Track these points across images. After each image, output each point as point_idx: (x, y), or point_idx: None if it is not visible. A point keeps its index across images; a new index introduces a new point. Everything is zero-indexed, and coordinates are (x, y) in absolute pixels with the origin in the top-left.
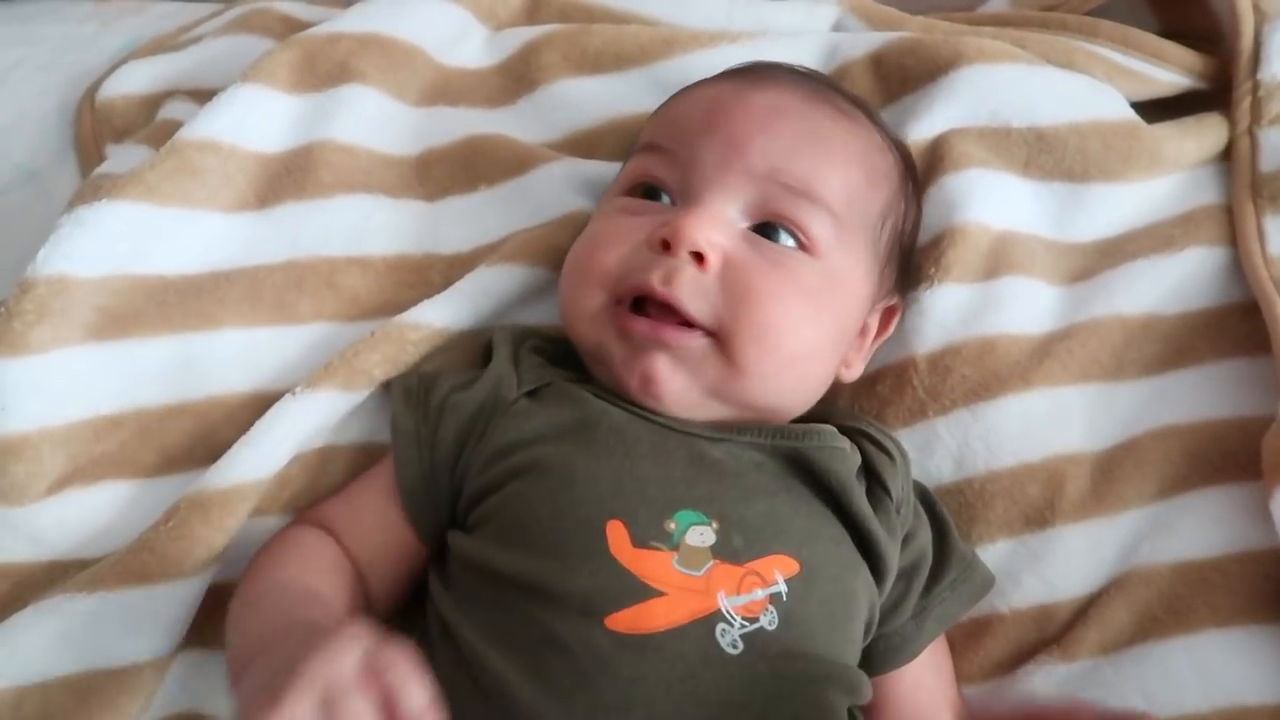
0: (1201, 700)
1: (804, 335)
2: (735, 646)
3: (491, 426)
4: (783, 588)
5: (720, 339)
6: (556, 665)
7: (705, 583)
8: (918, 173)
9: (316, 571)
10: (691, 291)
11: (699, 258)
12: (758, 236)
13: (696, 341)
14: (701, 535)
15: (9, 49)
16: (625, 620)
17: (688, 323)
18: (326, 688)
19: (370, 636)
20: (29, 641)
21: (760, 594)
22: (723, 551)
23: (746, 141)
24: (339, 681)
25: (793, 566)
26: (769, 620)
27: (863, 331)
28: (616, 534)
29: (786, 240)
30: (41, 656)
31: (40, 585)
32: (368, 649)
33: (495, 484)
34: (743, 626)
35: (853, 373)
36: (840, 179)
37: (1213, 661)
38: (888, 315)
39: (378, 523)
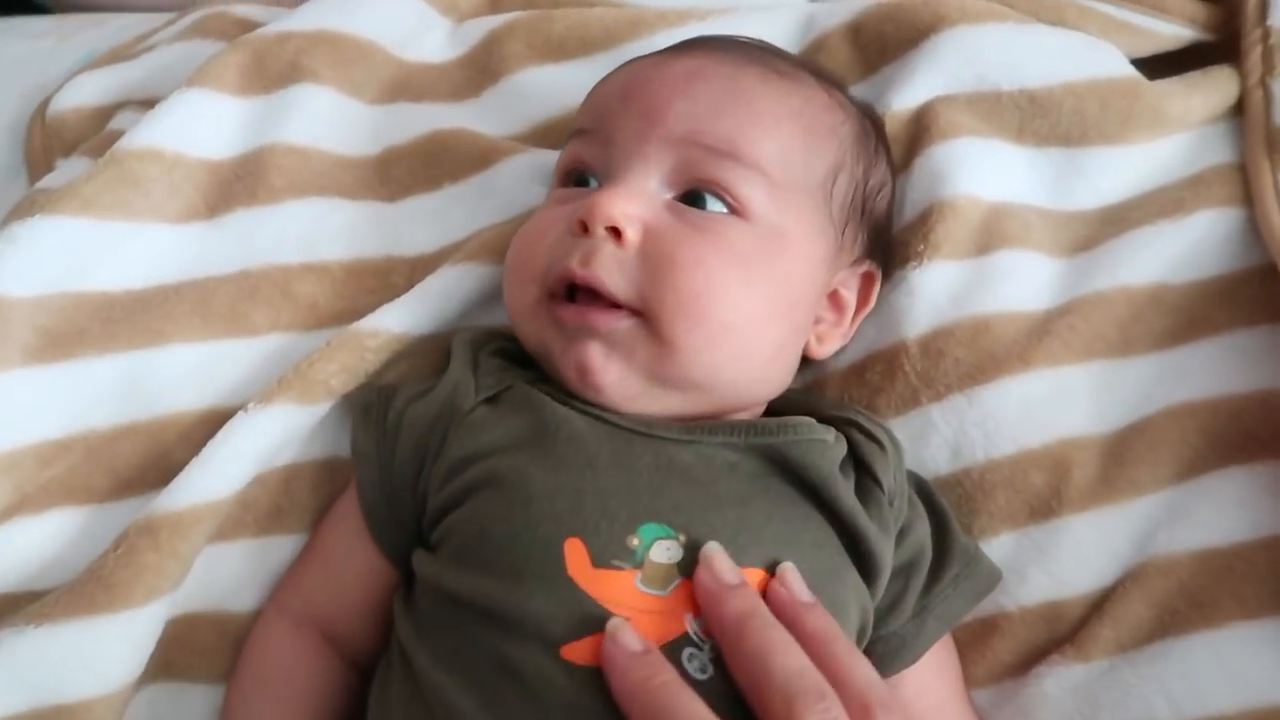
0: (1229, 700)
1: (735, 301)
2: (704, 671)
3: (449, 438)
4: None
5: (647, 316)
6: (512, 696)
7: (671, 603)
8: (884, 132)
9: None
10: (610, 269)
11: (617, 234)
12: (683, 206)
13: (622, 323)
14: (667, 550)
15: None
16: (581, 650)
17: (615, 305)
18: None
19: None
20: None
21: None
22: (690, 567)
23: (663, 108)
24: None
25: (765, 580)
26: None
27: (838, 304)
28: (575, 553)
29: (715, 206)
30: None
31: None
32: None
33: (453, 500)
34: (713, 650)
35: (826, 348)
36: (769, 136)
37: (1240, 657)
38: (866, 285)
39: (353, 566)
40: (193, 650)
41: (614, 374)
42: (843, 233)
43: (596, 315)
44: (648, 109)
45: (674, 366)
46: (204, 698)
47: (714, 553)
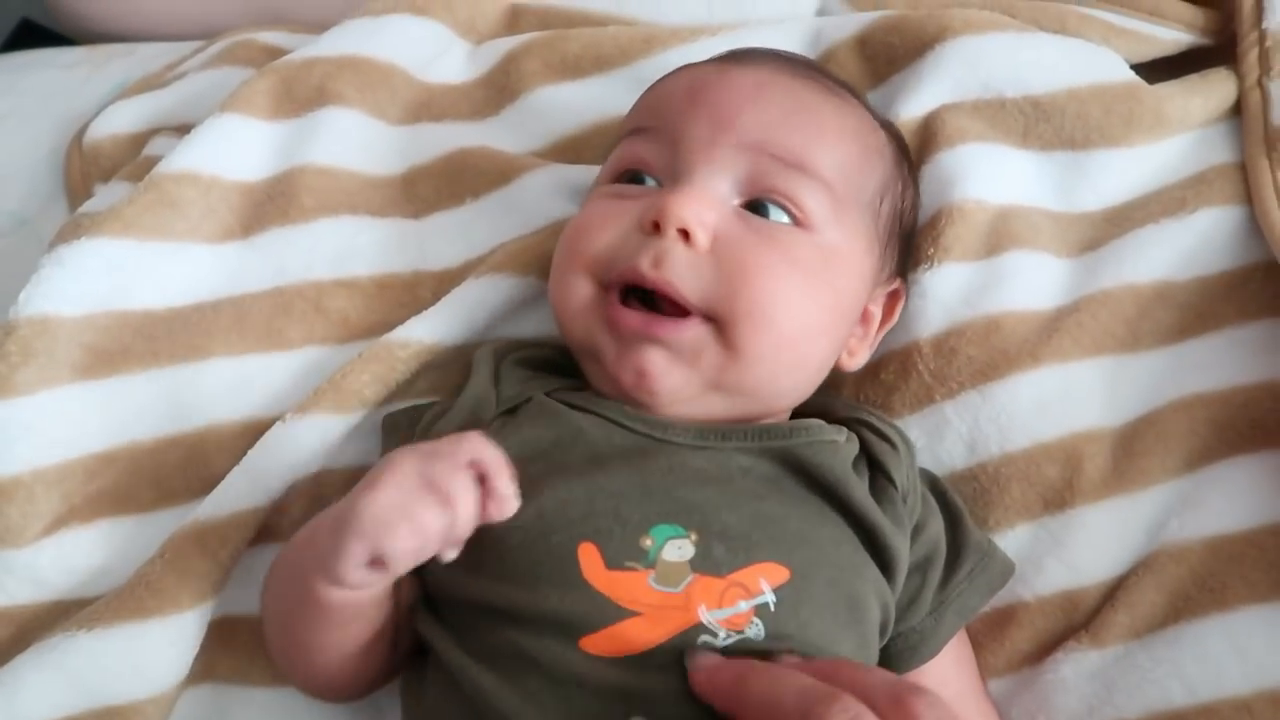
0: (1242, 682)
1: (801, 313)
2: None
3: None
4: (770, 598)
5: (715, 322)
6: (536, 682)
7: (684, 598)
8: (911, 156)
9: None
10: (683, 272)
11: (687, 236)
12: (749, 213)
13: (691, 331)
14: (679, 549)
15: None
16: (600, 642)
17: (680, 312)
18: (424, 463)
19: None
20: (30, 683)
21: (744, 606)
22: (703, 564)
23: (734, 115)
24: (438, 455)
25: (782, 574)
26: (755, 632)
27: (866, 319)
28: (589, 557)
29: (779, 216)
30: (42, 698)
31: (43, 626)
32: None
33: None
34: (728, 638)
35: (856, 361)
36: (833, 151)
37: (1252, 640)
38: (891, 301)
39: None
40: (233, 653)
41: (676, 380)
42: (884, 249)
43: (664, 326)
44: (718, 113)
45: (735, 373)
46: (243, 698)
47: (694, 655)
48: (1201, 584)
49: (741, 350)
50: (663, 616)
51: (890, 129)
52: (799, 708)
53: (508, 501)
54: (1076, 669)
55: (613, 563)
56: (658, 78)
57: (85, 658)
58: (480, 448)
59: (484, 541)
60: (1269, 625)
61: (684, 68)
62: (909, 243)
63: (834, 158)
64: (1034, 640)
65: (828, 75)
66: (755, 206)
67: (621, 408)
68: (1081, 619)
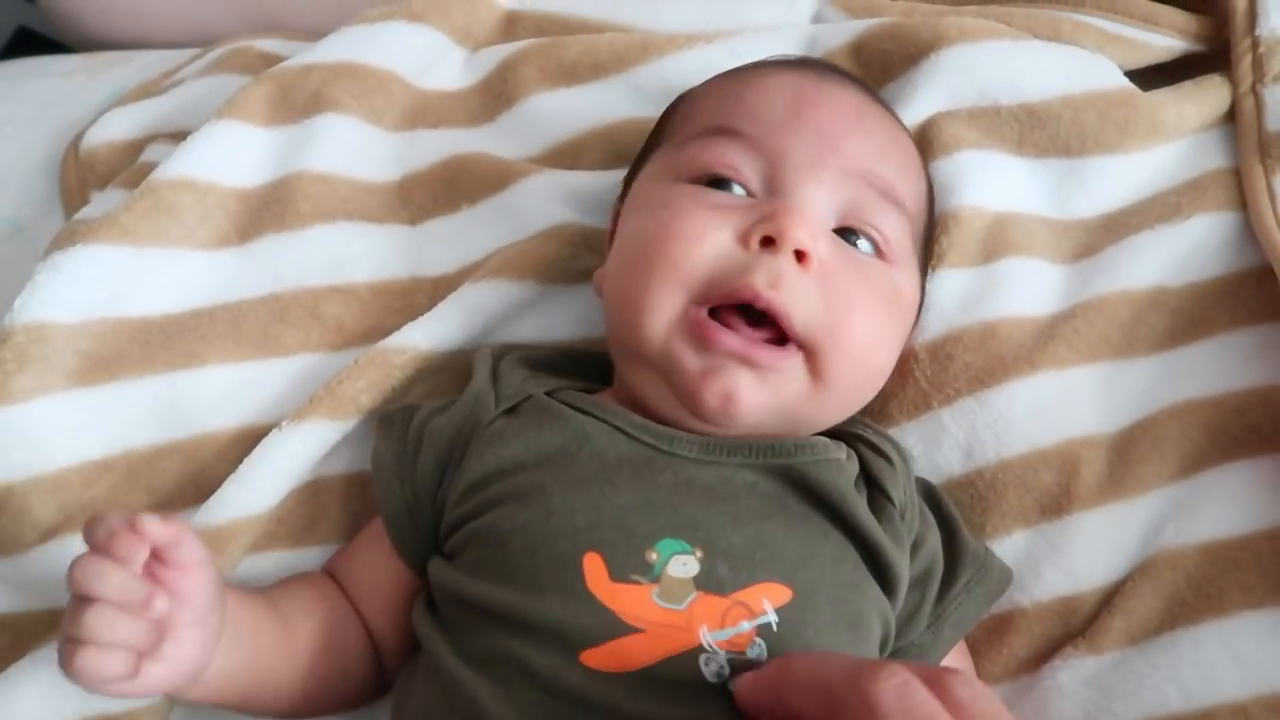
0: (1240, 688)
1: (884, 346)
2: (720, 676)
3: (469, 451)
4: (772, 618)
5: (810, 351)
6: (532, 695)
7: (686, 617)
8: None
9: (314, 605)
10: (797, 297)
11: (800, 257)
12: (841, 240)
13: (790, 360)
14: (684, 565)
15: None
16: (600, 657)
17: (777, 335)
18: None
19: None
20: (26, 692)
21: (746, 626)
22: (707, 582)
23: (842, 139)
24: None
25: (784, 594)
26: (756, 653)
27: None
28: (594, 567)
29: (866, 247)
30: (39, 706)
31: (40, 635)
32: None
33: (472, 513)
34: (729, 658)
35: None
36: (914, 184)
37: (1248, 646)
38: None
39: (376, 565)
40: None
41: (757, 403)
42: (920, 265)
43: (766, 353)
44: (825, 135)
45: (815, 402)
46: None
47: (737, 683)
48: (1198, 590)
49: (828, 382)
50: (664, 635)
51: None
52: (847, 678)
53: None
54: (1074, 675)
55: (617, 574)
56: (654, 85)
57: None
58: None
59: (488, 541)
60: (1265, 630)
61: (772, 71)
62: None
63: (914, 191)
64: (1032, 647)
65: (888, 106)
66: (843, 233)
67: (629, 416)
68: (1079, 625)
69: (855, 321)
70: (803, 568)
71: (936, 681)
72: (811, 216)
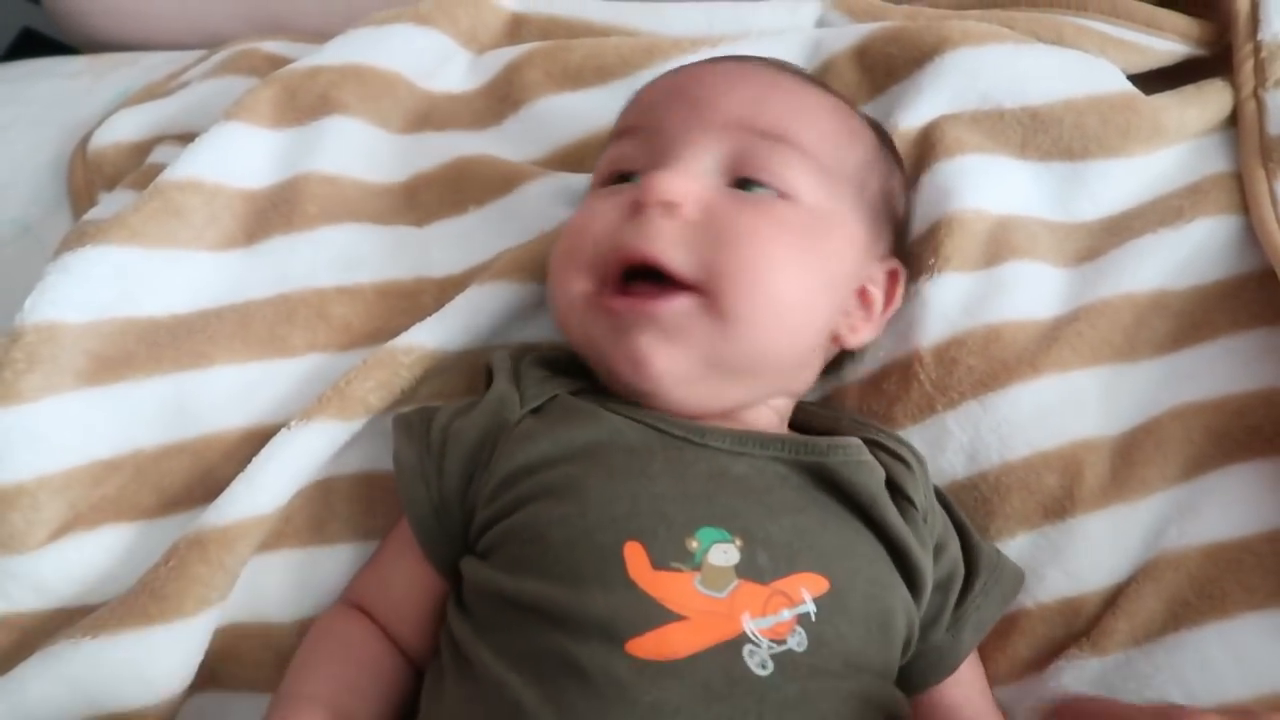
0: (1242, 688)
1: (790, 276)
2: (764, 667)
3: (497, 452)
4: (811, 608)
5: (705, 292)
6: (574, 692)
7: (729, 605)
8: (896, 150)
9: (356, 653)
10: (670, 241)
11: (671, 211)
12: (737, 190)
13: (680, 304)
14: (725, 553)
15: (2, 108)
16: (646, 646)
17: (671, 286)
18: None
19: None
20: (33, 690)
21: (787, 615)
22: (748, 570)
23: (713, 97)
24: None
25: (822, 585)
26: (797, 642)
27: (866, 299)
28: (635, 556)
29: (764, 192)
30: (46, 704)
31: (47, 634)
32: None
33: (505, 510)
34: (771, 648)
35: (858, 338)
36: (815, 123)
37: (1251, 646)
38: (891, 282)
39: (404, 575)
40: (238, 660)
41: (669, 360)
42: (873, 224)
43: (653, 303)
44: (697, 99)
45: (728, 343)
46: (249, 707)
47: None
48: (1200, 591)
49: (731, 315)
50: (707, 623)
51: (870, 121)
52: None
53: None
54: (1078, 676)
55: (659, 563)
56: None
57: (89, 664)
58: None
59: (524, 537)
60: (1267, 631)
61: (664, 74)
62: (905, 228)
63: (816, 129)
64: (1036, 648)
65: (804, 71)
66: (744, 185)
67: (659, 411)
68: (1082, 626)
69: (744, 248)
70: (838, 560)
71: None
72: (680, 173)
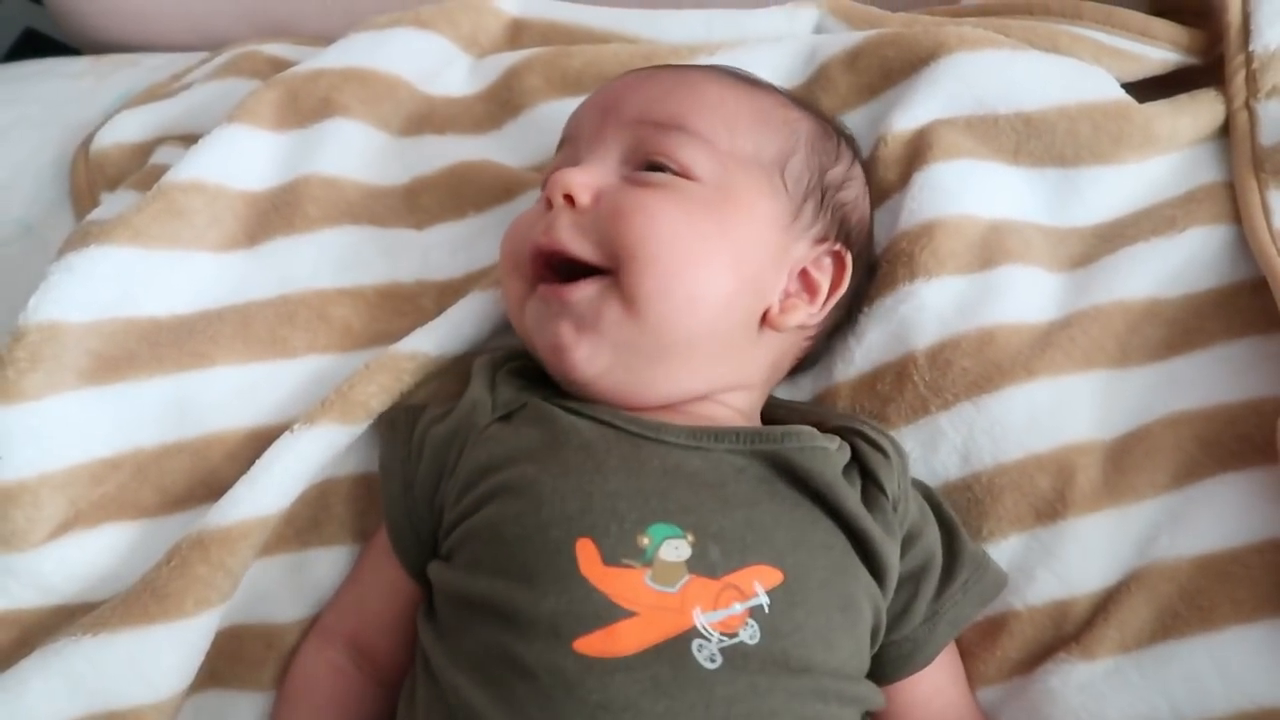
0: (1225, 703)
1: (681, 241)
2: (713, 661)
3: (464, 455)
4: (764, 600)
5: (610, 274)
6: (522, 692)
7: (680, 599)
8: (857, 146)
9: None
10: (569, 232)
11: (572, 201)
12: (637, 173)
13: (587, 289)
14: (676, 549)
15: (5, 108)
16: (593, 643)
17: (580, 273)
18: None
19: None
20: (33, 687)
21: (739, 608)
22: (699, 565)
23: (617, 101)
24: None
25: (775, 576)
26: (749, 635)
27: (809, 283)
28: (586, 552)
29: (663, 175)
30: (46, 702)
31: (47, 631)
32: None
33: (467, 511)
34: (721, 641)
35: (787, 319)
36: (714, 112)
37: (1234, 660)
38: (838, 268)
39: (378, 583)
40: (237, 660)
41: (585, 348)
42: (800, 206)
43: (565, 288)
44: (604, 105)
45: (638, 326)
46: (249, 706)
47: None
48: (1190, 602)
49: (635, 294)
50: (658, 619)
51: (815, 114)
52: None
53: None
54: (1066, 680)
55: (610, 559)
56: None
57: (89, 662)
58: None
59: (482, 537)
60: (1252, 645)
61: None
62: (854, 215)
63: (715, 117)
64: (1024, 649)
65: (746, 75)
66: (648, 170)
67: (616, 409)
68: (1071, 630)
69: (634, 221)
70: (792, 551)
71: None
72: (581, 169)
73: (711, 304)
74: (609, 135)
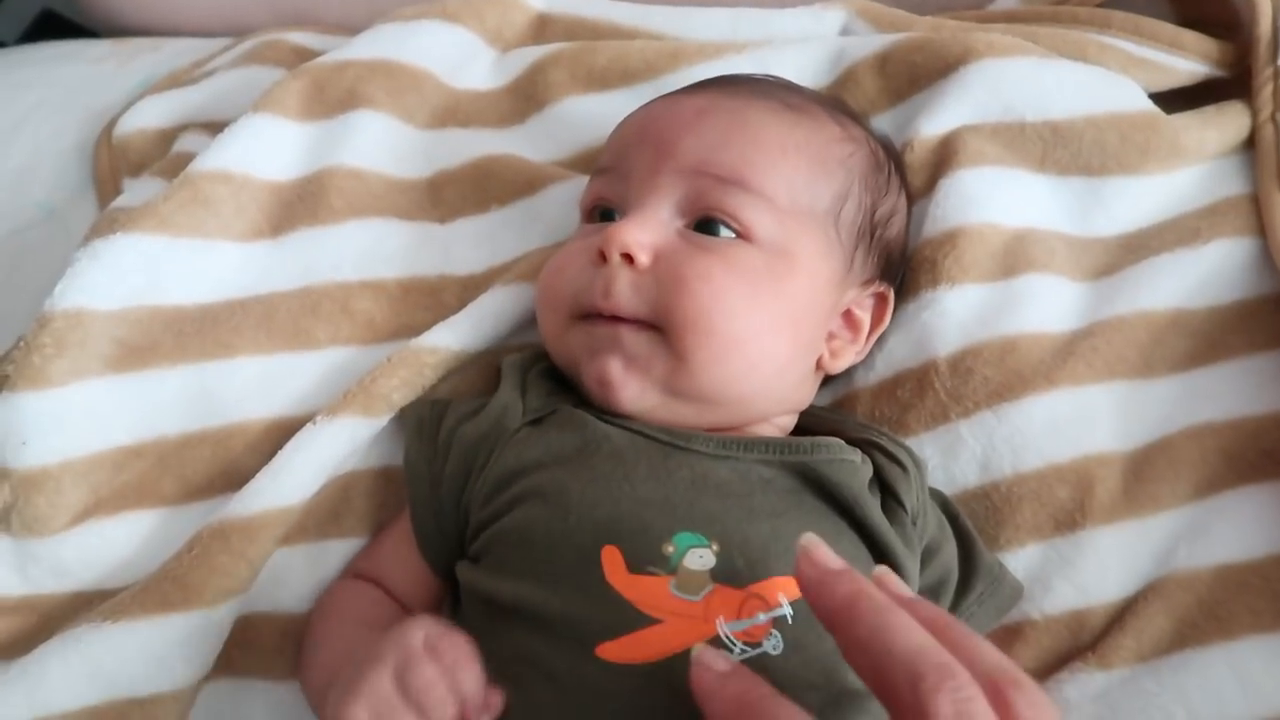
0: (1245, 712)
1: (741, 316)
2: None
3: (494, 457)
4: (787, 610)
5: (662, 330)
6: (546, 695)
7: (703, 608)
8: (900, 162)
9: (371, 615)
10: (627, 294)
11: (631, 260)
12: (694, 233)
13: (639, 334)
14: (701, 558)
15: (28, 91)
16: (616, 649)
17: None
18: (399, 662)
19: (433, 622)
20: (53, 673)
21: (762, 618)
22: (723, 574)
23: (673, 142)
24: (409, 653)
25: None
26: (772, 645)
27: (852, 323)
28: (612, 560)
29: (724, 233)
30: (65, 687)
31: (66, 617)
32: (431, 630)
33: (496, 514)
34: (744, 652)
35: (839, 363)
36: (774, 165)
37: (1255, 670)
38: (879, 305)
39: (404, 569)
40: (254, 649)
41: (633, 387)
42: (852, 255)
43: (613, 325)
44: (659, 143)
45: (686, 379)
46: (262, 694)
47: (812, 542)
48: (1208, 612)
49: (686, 356)
50: (681, 626)
51: (870, 138)
52: (909, 670)
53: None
54: (1082, 690)
55: (635, 567)
56: None
57: (108, 649)
58: (454, 651)
59: (511, 540)
60: (1271, 655)
61: (643, 105)
62: (898, 248)
63: (775, 171)
64: (1040, 659)
65: (793, 92)
66: (702, 227)
67: (647, 419)
68: (1088, 640)
69: (693, 294)
70: None
71: (999, 694)
72: (639, 222)
73: (768, 370)
74: (663, 182)
